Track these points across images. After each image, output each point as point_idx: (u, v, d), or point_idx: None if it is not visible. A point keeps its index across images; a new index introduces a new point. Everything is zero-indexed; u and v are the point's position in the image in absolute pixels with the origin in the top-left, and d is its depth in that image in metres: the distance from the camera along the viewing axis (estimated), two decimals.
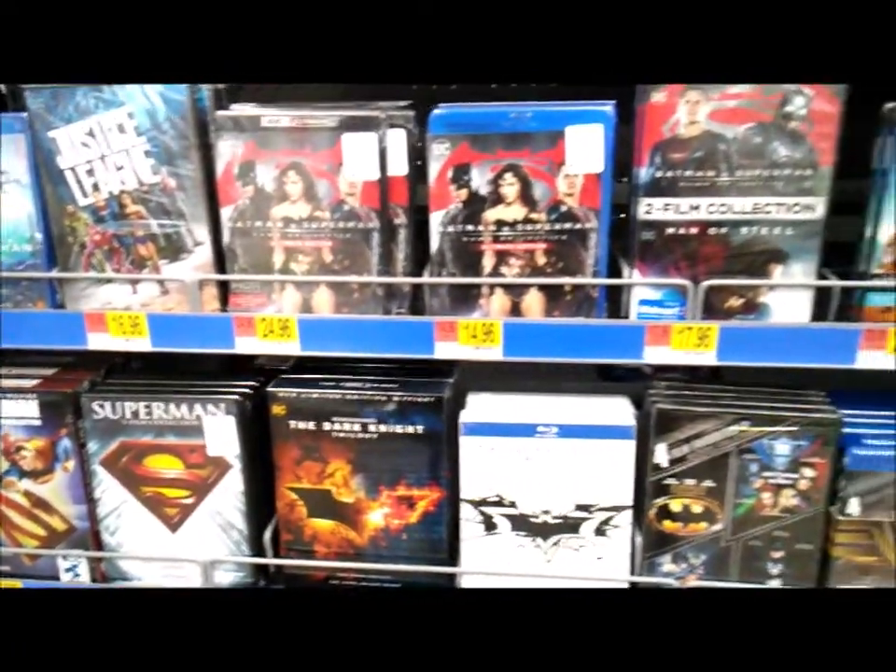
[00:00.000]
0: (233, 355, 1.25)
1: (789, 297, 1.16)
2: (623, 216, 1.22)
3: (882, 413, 1.22)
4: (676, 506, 1.24)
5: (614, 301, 1.23)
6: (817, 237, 1.12)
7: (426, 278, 1.23)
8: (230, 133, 1.17)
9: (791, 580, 1.23)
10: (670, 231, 1.15)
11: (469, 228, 1.19)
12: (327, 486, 1.32)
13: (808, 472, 1.18)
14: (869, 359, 1.14)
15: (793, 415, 1.17)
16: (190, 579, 1.39)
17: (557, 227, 1.17)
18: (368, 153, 1.16)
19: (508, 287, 1.21)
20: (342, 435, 1.29)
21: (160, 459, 1.34)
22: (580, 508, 1.26)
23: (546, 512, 1.27)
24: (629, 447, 1.22)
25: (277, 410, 1.29)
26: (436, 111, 1.14)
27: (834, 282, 1.14)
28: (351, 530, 1.35)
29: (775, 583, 1.24)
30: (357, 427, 1.28)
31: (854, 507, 1.17)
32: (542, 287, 1.21)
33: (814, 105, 1.06)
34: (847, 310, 1.16)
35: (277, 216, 1.20)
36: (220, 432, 1.30)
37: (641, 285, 1.19)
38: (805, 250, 1.13)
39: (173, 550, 1.39)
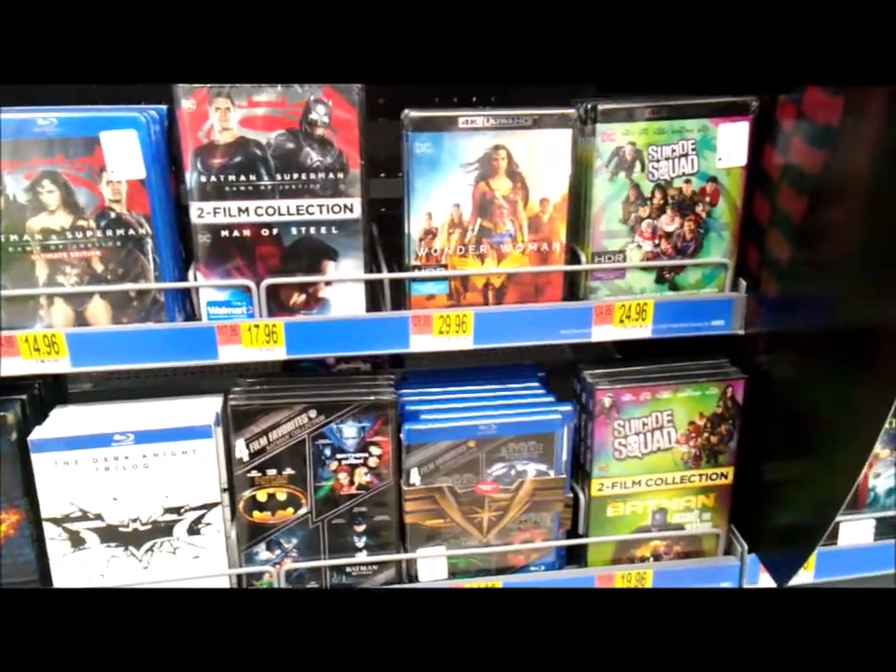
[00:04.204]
0: None
1: (344, 290, 1.25)
2: None
3: (441, 389, 1.37)
4: (262, 496, 1.29)
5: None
6: (359, 234, 1.22)
7: None
8: None
9: (375, 549, 1.34)
10: (224, 233, 1.19)
11: (14, 238, 1.14)
12: None
13: (375, 450, 1.29)
14: (419, 343, 1.27)
15: (354, 399, 1.26)
16: None
17: (109, 233, 1.16)
18: None
19: (68, 297, 1.19)
20: None
21: None
22: (169, 511, 1.27)
23: (135, 520, 1.27)
24: (209, 446, 1.25)
25: None
26: None
27: (375, 275, 1.25)
28: None
29: (361, 555, 1.34)
30: None
31: (415, 477, 1.29)
32: (105, 295, 1.20)
33: (334, 114, 1.15)
34: (403, 299, 1.28)
35: None
36: None
37: (204, 286, 1.21)
38: (351, 247, 1.22)
39: None
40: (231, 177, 1.16)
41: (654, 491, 1.38)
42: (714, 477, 1.39)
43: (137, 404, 1.32)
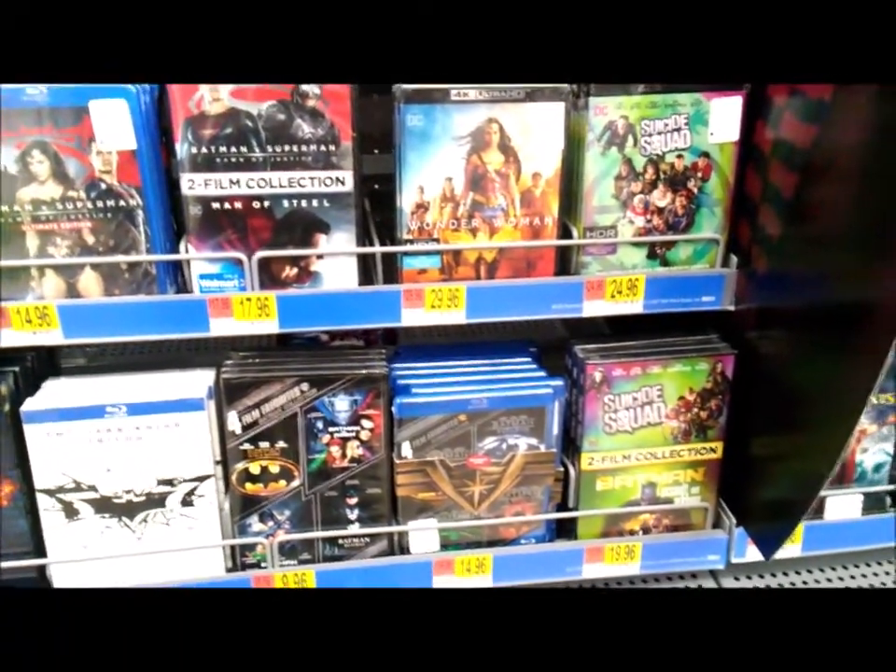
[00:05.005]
0: None
1: (336, 264, 1.25)
2: None
3: (433, 364, 1.37)
4: (255, 468, 1.30)
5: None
6: (351, 208, 1.21)
7: None
8: None
9: (367, 522, 1.35)
10: (216, 205, 1.18)
11: (4, 208, 1.14)
12: None
13: (367, 424, 1.29)
14: (411, 316, 1.27)
15: (345, 373, 1.27)
16: None
17: (100, 205, 1.16)
18: None
19: (60, 268, 1.19)
20: None
21: None
22: (162, 482, 1.28)
23: (128, 491, 1.27)
24: (202, 418, 1.25)
25: None
26: None
27: (367, 248, 1.25)
28: None
29: (354, 527, 1.35)
30: None
31: (406, 450, 1.30)
32: (96, 267, 1.19)
33: (326, 85, 1.14)
34: (395, 273, 1.28)
35: None
36: None
37: (196, 259, 1.21)
38: (343, 220, 1.22)
39: None
40: (223, 149, 1.15)
41: (644, 465, 1.39)
42: (703, 452, 1.40)
43: (130, 377, 1.33)
